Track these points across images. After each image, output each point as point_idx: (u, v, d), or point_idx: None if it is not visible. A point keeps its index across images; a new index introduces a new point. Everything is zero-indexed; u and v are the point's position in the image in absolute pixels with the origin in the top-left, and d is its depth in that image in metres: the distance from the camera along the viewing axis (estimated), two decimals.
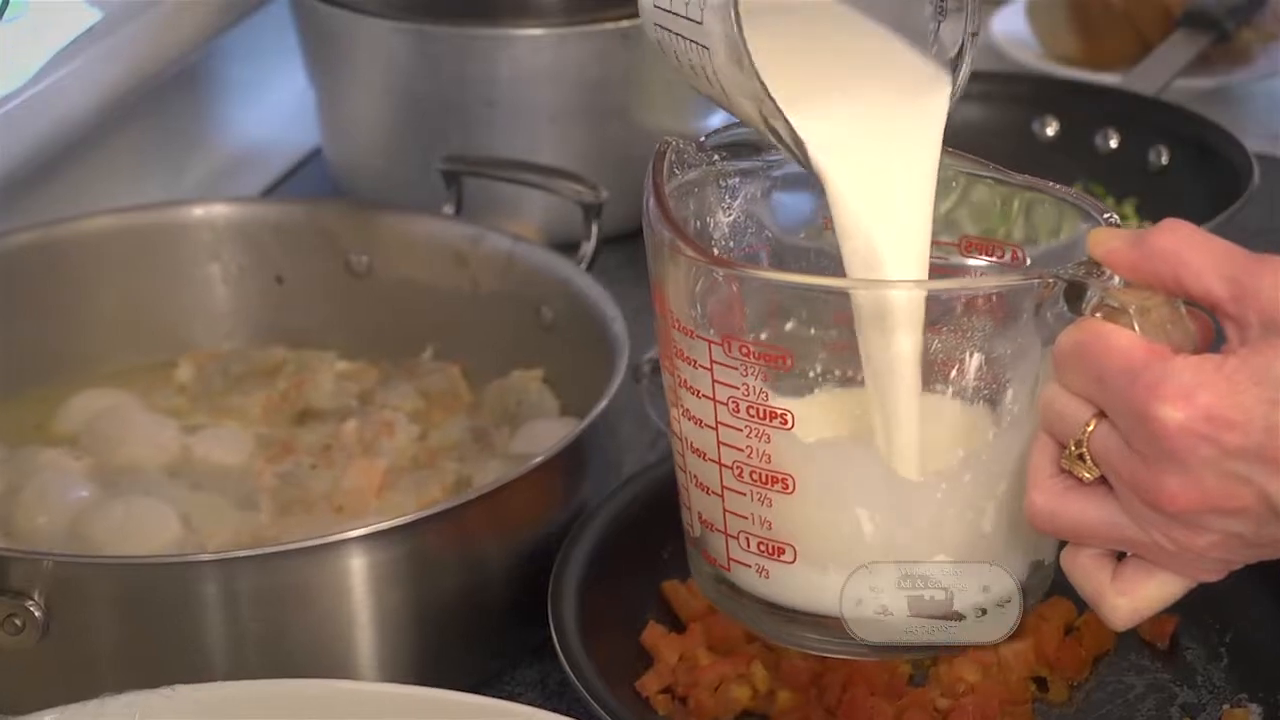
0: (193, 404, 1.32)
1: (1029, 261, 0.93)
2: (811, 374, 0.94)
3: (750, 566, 0.93)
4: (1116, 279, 0.83)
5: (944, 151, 0.92)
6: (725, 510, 0.92)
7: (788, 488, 0.90)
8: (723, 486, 0.92)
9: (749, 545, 0.92)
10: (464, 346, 1.34)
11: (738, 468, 0.91)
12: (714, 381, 0.90)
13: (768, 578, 0.93)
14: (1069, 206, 0.91)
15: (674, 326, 0.91)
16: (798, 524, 0.91)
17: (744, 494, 0.91)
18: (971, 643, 0.93)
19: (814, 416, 0.90)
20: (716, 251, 0.95)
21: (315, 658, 1.05)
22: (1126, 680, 1.09)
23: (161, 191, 1.60)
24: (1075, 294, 0.84)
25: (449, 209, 1.37)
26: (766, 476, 0.90)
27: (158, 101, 1.62)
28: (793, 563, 0.92)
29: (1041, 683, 1.09)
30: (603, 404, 1.13)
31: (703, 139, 0.95)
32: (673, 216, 0.89)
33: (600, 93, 1.54)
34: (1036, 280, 0.85)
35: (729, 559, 0.94)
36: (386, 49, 1.55)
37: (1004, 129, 1.63)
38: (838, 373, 0.94)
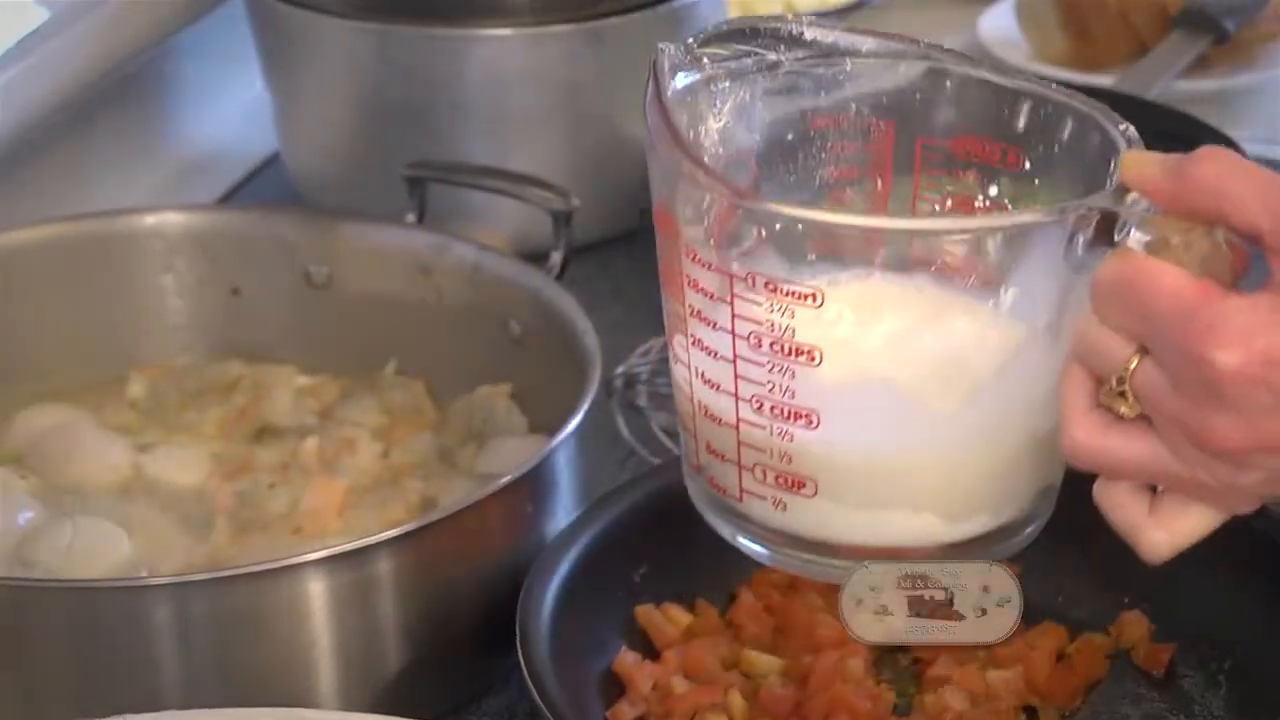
0: (145, 421, 1.31)
1: (1028, 166, 0.92)
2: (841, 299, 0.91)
3: (766, 499, 0.91)
4: (1149, 206, 0.82)
5: (931, 47, 0.91)
6: (740, 443, 0.90)
7: (812, 423, 0.88)
8: (738, 419, 0.90)
9: (765, 478, 0.91)
10: (428, 361, 1.33)
11: (757, 401, 0.89)
12: (734, 315, 0.88)
13: (785, 510, 0.91)
14: (1071, 114, 0.91)
15: (686, 255, 0.89)
16: (821, 459, 0.89)
17: (763, 427, 0.89)
18: (972, 643, 0.93)
19: (844, 349, 0.88)
20: (707, 159, 0.92)
21: (273, 685, 1.04)
22: (1121, 710, 1.09)
23: (112, 199, 1.59)
24: (1107, 224, 0.83)
25: (412, 217, 1.36)
26: (789, 412, 0.88)
27: (108, 105, 1.61)
28: (813, 496, 0.90)
29: (1032, 713, 1.08)
30: (574, 421, 1.12)
31: (690, 40, 0.93)
32: (684, 140, 0.87)
33: (571, 96, 1.53)
34: (1070, 214, 0.84)
35: (741, 490, 0.92)
36: (348, 50, 1.54)
37: None
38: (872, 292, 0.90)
